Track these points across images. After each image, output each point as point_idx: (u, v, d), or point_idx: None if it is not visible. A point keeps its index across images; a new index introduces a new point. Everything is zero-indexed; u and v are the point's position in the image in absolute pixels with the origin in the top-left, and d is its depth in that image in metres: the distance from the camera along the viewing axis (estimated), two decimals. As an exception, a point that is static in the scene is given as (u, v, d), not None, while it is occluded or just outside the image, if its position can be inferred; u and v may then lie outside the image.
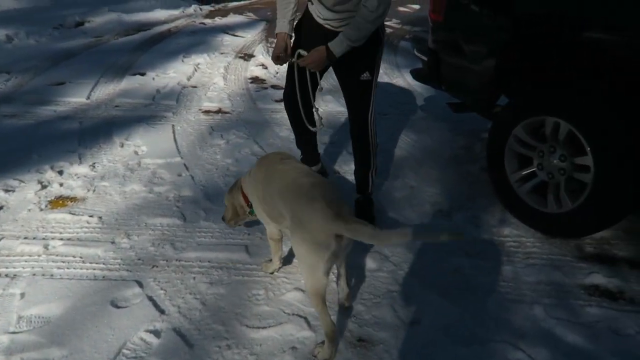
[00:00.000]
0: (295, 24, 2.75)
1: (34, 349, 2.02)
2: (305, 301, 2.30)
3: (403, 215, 3.02)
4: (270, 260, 2.47)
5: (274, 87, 5.27)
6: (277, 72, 5.64)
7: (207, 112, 4.55)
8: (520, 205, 2.90)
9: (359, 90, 2.72)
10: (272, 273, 2.47)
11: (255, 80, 5.50)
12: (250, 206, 2.39)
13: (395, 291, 2.39)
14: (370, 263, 2.57)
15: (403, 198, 3.20)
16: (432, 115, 4.56)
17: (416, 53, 3.75)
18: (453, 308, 2.30)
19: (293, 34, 2.75)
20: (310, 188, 1.98)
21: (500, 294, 2.40)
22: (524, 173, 2.90)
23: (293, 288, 2.37)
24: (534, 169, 2.85)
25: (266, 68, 5.86)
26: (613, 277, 2.47)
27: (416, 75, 3.79)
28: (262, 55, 6.28)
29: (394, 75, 5.73)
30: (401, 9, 9.88)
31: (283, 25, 2.70)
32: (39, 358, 1.98)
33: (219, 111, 4.58)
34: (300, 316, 2.21)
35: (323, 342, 2.00)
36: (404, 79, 5.56)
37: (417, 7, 10.06)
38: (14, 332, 2.10)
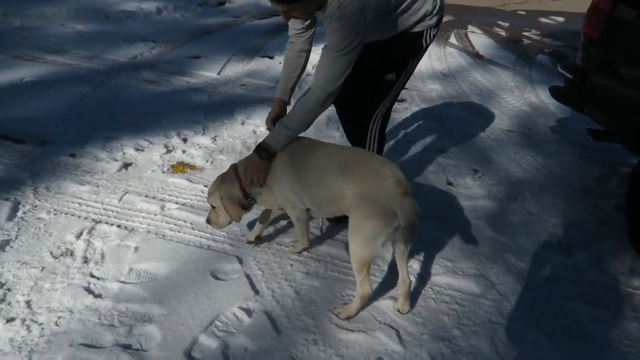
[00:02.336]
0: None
1: (138, 301, 2.15)
2: (398, 313, 2.20)
3: (515, 241, 2.79)
4: (297, 241, 2.51)
5: (395, 86, 5.15)
6: (401, 71, 5.52)
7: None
8: (660, 257, 2.54)
9: (377, 87, 2.44)
10: (299, 253, 2.50)
11: (377, 76, 5.42)
12: (249, 198, 2.32)
13: (498, 323, 2.20)
14: (473, 287, 2.40)
15: (519, 224, 2.95)
16: (563, 138, 4.18)
17: (559, 69, 3.42)
18: (560, 355, 2.07)
19: (291, 101, 2.58)
20: (380, 166, 2.03)
21: (618, 351, 2.12)
22: (671, 221, 2.53)
23: (388, 296, 2.29)
24: (685, 219, 2.47)
25: (390, 66, 5.75)
26: None
27: (555, 93, 3.47)
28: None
29: (526, 89, 5.34)
30: (543, 19, 9.21)
31: (283, 91, 2.53)
32: (140, 311, 2.10)
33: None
34: (392, 327, 2.12)
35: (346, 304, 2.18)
36: (536, 95, 5.16)
37: (560, 19, 9.31)
38: (123, 282, 2.25)
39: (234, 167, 2.33)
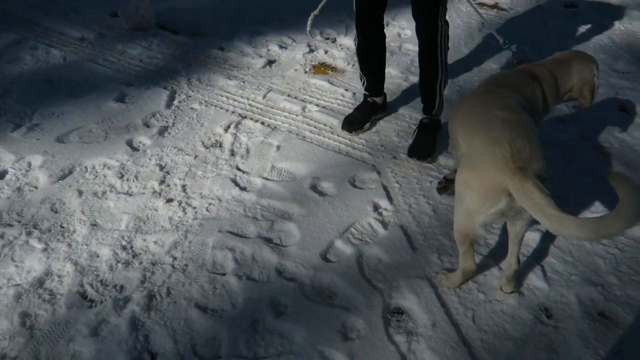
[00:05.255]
0: None
1: (279, 199, 2.22)
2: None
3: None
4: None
5: (566, -12, 4.42)
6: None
7: (481, 4, 4.09)
8: None
9: None
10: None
11: (545, -24, 4.68)
12: None
13: (664, 276, 1.93)
14: (638, 231, 2.11)
15: None
16: None
17: None
18: None
19: None
20: (500, 125, 1.58)
21: None
22: None
23: (535, 228, 2.10)
24: None
25: (562, -37, 4.91)
26: None
27: None
28: (561, -53, 5.26)
29: None
30: None
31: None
32: (281, 209, 2.18)
33: (494, 6, 4.08)
34: (537, 262, 1.97)
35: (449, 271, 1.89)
36: None
37: None
38: (266, 178, 2.33)
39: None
